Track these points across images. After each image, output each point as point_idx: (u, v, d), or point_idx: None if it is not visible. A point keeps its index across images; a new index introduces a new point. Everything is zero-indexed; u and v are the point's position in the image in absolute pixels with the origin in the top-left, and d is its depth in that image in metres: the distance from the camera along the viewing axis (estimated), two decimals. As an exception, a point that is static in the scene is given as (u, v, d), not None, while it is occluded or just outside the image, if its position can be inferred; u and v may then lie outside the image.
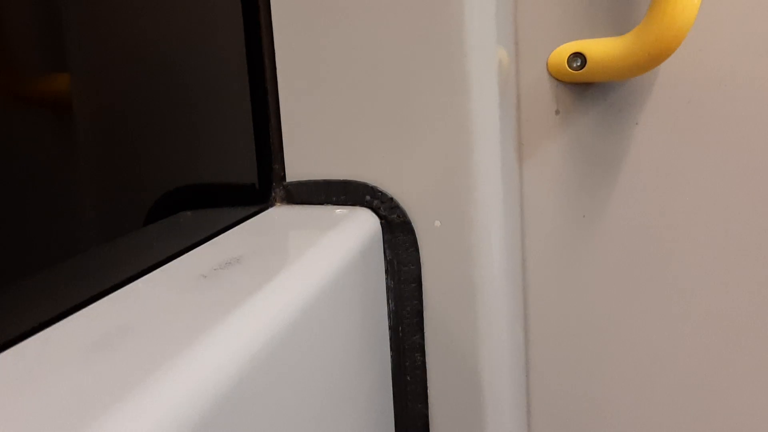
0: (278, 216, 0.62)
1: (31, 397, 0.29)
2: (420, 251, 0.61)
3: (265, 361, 0.37)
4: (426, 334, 0.62)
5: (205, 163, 0.58)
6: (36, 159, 0.40)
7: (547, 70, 0.69)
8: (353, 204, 0.62)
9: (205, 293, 0.42)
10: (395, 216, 0.61)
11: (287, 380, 0.39)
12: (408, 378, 0.63)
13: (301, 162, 0.63)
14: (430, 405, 0.63)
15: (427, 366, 0.63)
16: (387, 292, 0.62)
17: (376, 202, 0.61)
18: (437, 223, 0.61)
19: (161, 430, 0.27)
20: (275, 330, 0.39)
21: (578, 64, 0.66)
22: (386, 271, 0.61)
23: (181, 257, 0.49)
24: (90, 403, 0.28)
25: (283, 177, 0.64)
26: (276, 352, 0.38)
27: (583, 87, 0.69)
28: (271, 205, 0.64)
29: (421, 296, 0.62)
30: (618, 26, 0.66)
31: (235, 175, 0.62)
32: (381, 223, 0.61)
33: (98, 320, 0.38)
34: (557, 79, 0.69)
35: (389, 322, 0.62)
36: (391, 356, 0.62)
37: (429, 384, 0.63)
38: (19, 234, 0.38)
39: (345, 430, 0.50)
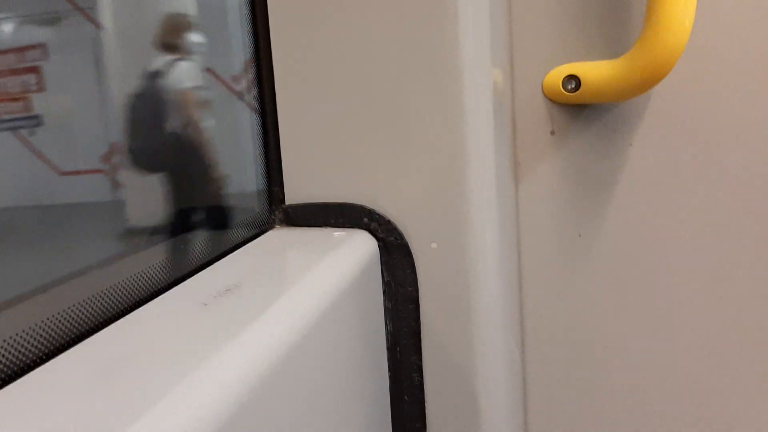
0: (277, 239, 0.63)
1: (39, 425, 0.30)
2: (417, 272, 0.62)
3: (264, 388, 0.38)
4: (423, 355, 0.63)
5: (206, 188, 0.59)
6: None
7: (542, 91, 0.70)
8: (351, 226, 0.63)
9: (206, 322, 0.43)
10: (393, 238, 0.62)
11: (287, 404, 0.40)
12: (406, 398, 0.64)
13: (300, 185, 0.64)
14: (428, 425, 0.64)
15: (425, 386, 0.64)
16: (385, 313, 0.62)
17: (373, 224, 0.62)
18: (434, 244, 0.61)
19: None
20: (274, 356, 0.40)
21: (573, 86, 0.67)
22: (384, 293, 0.62)
23: (183, 284, 0.50)
24: (96, 429, 0.29)
25: (283, 200, 0.65)
26: (275, 378, 0.39)
27: (578, 108, 0.70)
28: (271, 228, 0.65)
29: (419, 317, 0.63)
30: (612, 49, 0.67)
31: (235, 199, 0.63)
32: (378, 245, 0.62)
33: (103, 349, 0.39)
34: (552, 101, 0.70)
35: (387, 343, 0.63)
36: (389, 376, 0.63)
37: (427, 404, 0.64)
38: (22, 259, 0.39)
39: None
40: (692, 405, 0.71)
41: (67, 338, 0.40)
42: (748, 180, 0.66)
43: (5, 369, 0.36)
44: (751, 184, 0.66)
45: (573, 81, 0.67)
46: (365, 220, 0.62)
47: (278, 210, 0.65)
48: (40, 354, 0.38)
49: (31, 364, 0.37)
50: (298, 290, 0.49)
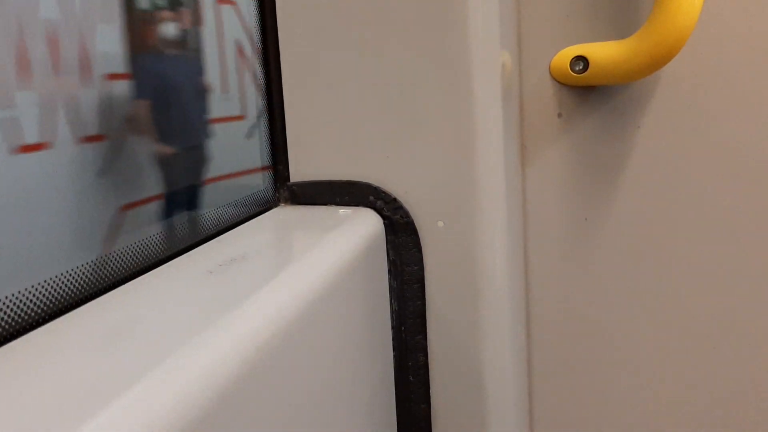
0: (282, 216, 0.62)
1: (50, 381, 0.30)
2: (423, 252, 0.62)
3: (267, 355, 0.37)
4: (429, 334, 0.63)
5: (211, 164, 0.58)
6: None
7: (550, 73, 0.69)
8: (357, 204, 0.62)
9: (210, 288, 0.42)
10: (398, 216, 0.61)
11: (289, 375, 0.40)
12: (411, 378, 0.63)
13: (305, 163, 0.64)
14: (432, 405, 0.63)
15: (430, 366, 0.63)
16: (390, 292, 0.62)
17: (379, 202, 0.62)
18: (440, 223, 0.61)
19: (167, 415, 0.28)
20: (278, 325, 0.39)
21: (581, 67, 0.67)
22: (389, 272, 0.62)
23: (188, 253, 0.49)
24: (102, 388, 0.29)
25: (287, 178, 0.65)
26: (279, 346, 0.38)
27: (585, 90, 0.69)
28: (276, 206, 0.65)
29: (424, 296, 0.62)
30: (620, 30, 0.67)
31: (241, 176, 0.63)
32: (384, 223, 0.61)
33: (107, 312, 0.38)
34: (560, 83, 0.69)
35: (392, 322, 0.62)
36: (394, 356, 0.63)
37: (432, 384, 0.63)
38: (40, 232, 0.39)
39: (348, 427, 0.50)
40: (698, 388, 0.70)
41: (72, 300, 0.40)
42: (758, 163, 0.66)
43: (7, 327, 0.35)
44: (760, 167, 0.66)
45: (581, 62, 0.66)
46: (371, 198, 0.62)
47: (283, 188, 0.65)
48: (45, 314, 0.38)
49: (34, 324, 0.37)
50: (303, 263, 0.48)
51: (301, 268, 0.47)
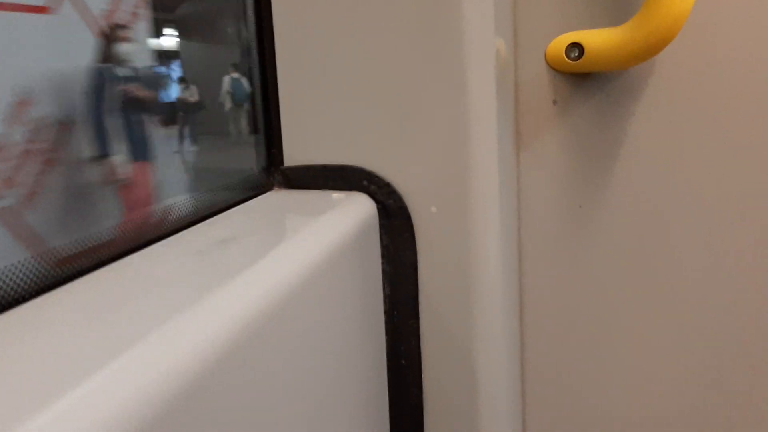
0: (275, 199, 0.62)
1: (41, 352, 0.30)
2: (416, 237, 0.62)
3: (257, 333, 0.37)
4: (421, 319, 0.63)
5: (204, 146, 0.58)
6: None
7: (545, 60, 0.69)
8: (350, 189, 0.62)
9: (200, 267, 0.42)
10: (392, 201, 0.61)
11: (279, 354, 0.40)
12: (403, 362, 0.63)
13: (299, 147, 0.64)
14: (424, 389, 0.64)
15: (422, 350, 0.63)
16: (383, 277, 0.62)
17: (372, 187, 0.62)
18: (433, 209, 0.61)
19: (146, 392, 0.28)
20: (269, 302, 0.39)
21: (576, 54, 0.66)
22: (382, 256, 0.62)
23: (178, 234, 0.49)
24: (84, 362, 0.29)
25: (281, 162, 0.65)
26: (268, 324, 0.38)
27: (580, 77, 0.69)
28: (269, 189, 0.65)
29: (417, 281, 0.62)
30: (615, 17, 0.67)
31: (234, 159, 0.63)
32: (377, 208, 0.61)
33: (96, 288, 0.38)
34: (555, 70, 0.69)
35: (385, 307, 0.62)
36: (386, 340, 0.63)
37: (423, 368, 0.63)
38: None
39: (339, 412, 0.50)
40: (694, 382, 0.70)
41: (60, 277, 0.40)
42: (753, 150, 0.66)
43: None
44: (756, 155, 0.66)
45: (576, 49, 0.66)
46: (364, 182, 0.62)
47: (276, 172, 0.65)
48: (33, 289, 0.38)
49: (19, 299, 0.37)
50: (295, 243, 0.48)
51: (293, 249, 0.47)
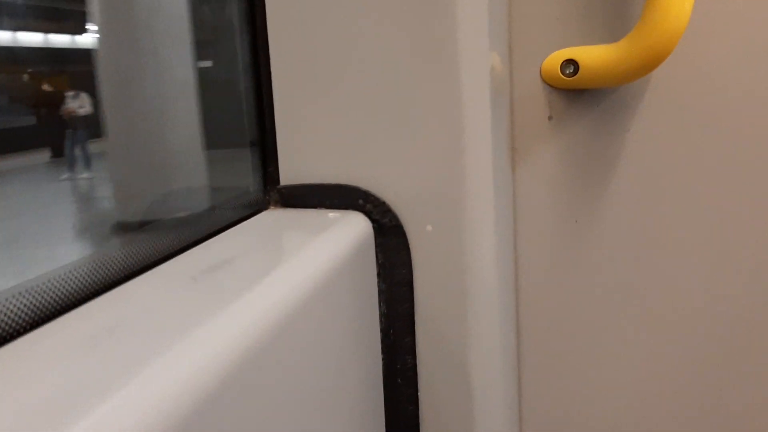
0: (271, 219, 0.62)
1: (32, 387, 0.30)
2: (412, 254, 0.62)
3: (253, 360, 0.37)
4: (417, 337, 0.63)
5: (200, 165, 0.59)
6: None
7: (541, 76, 0.69)
8: (346, 207, 0.62)
9: (193, 295, 0.42)
10: (387, 220, 0.61)
11: (276, 379, 0.40)
12: (399, 380, 0.63)
13: (295, 166, 0.64)
14: (420, 407, 0.64)
15: (418, 368, 0.63)
16: (379, 295, 0.62)
17: (368, 206, 0.62)
18: (429, 227, 0.61)
19: (146, 423, 0.28)
20: (264, 329, 0.39)
21: (571, 70, 0.67)
22: (378, 274, 0.62)
23: (173, 260, 0.49)
24: (83, 393, 0.29)
25: (277, 180, 0.65)
26: (264, 351, 0.38)
27: (576, 93, 0.69)
28: (265, 208, 0.65)
29: (413, 299, 0.62)
30: (611, 33, 0.67)
31: (229, 178, 0.63)
32: (373, 226, 0.61)
33: (91, 319, 0.39)
34: (550, 86, 0.69)
35: (381, 325, 0.62)
36: (383, 358, 0.63)
37: (420, 386, 0.64)
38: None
39: (335, 428, 0.51)
40: (690, 387, 0.71)
41: (55, 308, 0.40)
42: (748, 166, 0.66)
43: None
44: (750, 171, 0.66)
45: (571, 65, 0.66)
46: (360, 201, 0.62)
47: (273, 191, 0.65)
48: (27, 323, 0.38)
49: (21, 331, 0.37)
50: (290, 266, 0.49)
51: (289, 271, 0.48)
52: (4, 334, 0.36)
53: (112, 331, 0.37)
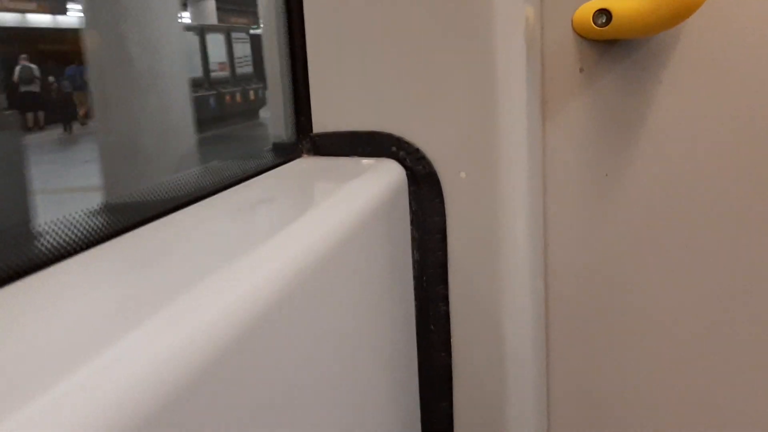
0: (305, 166, 0.63)
1: (88, 301, 0.31)
2: (445, 202, 0.62)
3: (296, 289, 0.38)
4: (450, 285, 0.63)
5: (234, 114, 0.59)
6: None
7: (572, 27, 0.69)
8: (379, 155, 0.63)
9: (241, 223, 0.43)
10: (421, 167, 0.62)
11: (312, 314, 0.40)
12: (432, 327, 0.64)
13: (327, 114, 0.64)
14: (453, 354, 0.64)
15: (451, 315, 0.64)
16: (412, 242, 0.62)
17: (402, 153, 0.62)
18: (462, 174, 0.61)
19: (196, 339, 0.28)
20: (305, 261, 0.40)
21: (603, 20, 0.66)
22: (411, 222, 0.62)
23: (216, 196, 0.50)
24: (135, 308, 0.30)
25: (310, 129, 0.65)
26: (304, 283, 0.39)
27: (607, 44, 0.69)
28: (298, 156, 0.65)
29: (446, 247, 0.63)
30: None
31: (262, 127, 0.63)
32: (407, 174, 0.62)
33: (144, 241, 0.39)
34: (582, 37, 0.69)
35: (414, 272, 0.63)
36: (415, 305, 0.63)
37: (452, 333, 0.64)
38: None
39: (369, 374, 0.51)
40: (716, 347, 0.71)
41: (105, 233, 0.40)
42: None
43: (42, 255, 0.36)
44: None
45: (603, 15, 0.66)
46: (393, 148, 0.62)
47: (306, 139, 0.65)
48: (78, 244, 0.38)
49: (71, 252, 0.37)
50: (328, 206, 0.49)
51: (326, 211, 0.48)
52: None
53: (165, 253, 0.37)
